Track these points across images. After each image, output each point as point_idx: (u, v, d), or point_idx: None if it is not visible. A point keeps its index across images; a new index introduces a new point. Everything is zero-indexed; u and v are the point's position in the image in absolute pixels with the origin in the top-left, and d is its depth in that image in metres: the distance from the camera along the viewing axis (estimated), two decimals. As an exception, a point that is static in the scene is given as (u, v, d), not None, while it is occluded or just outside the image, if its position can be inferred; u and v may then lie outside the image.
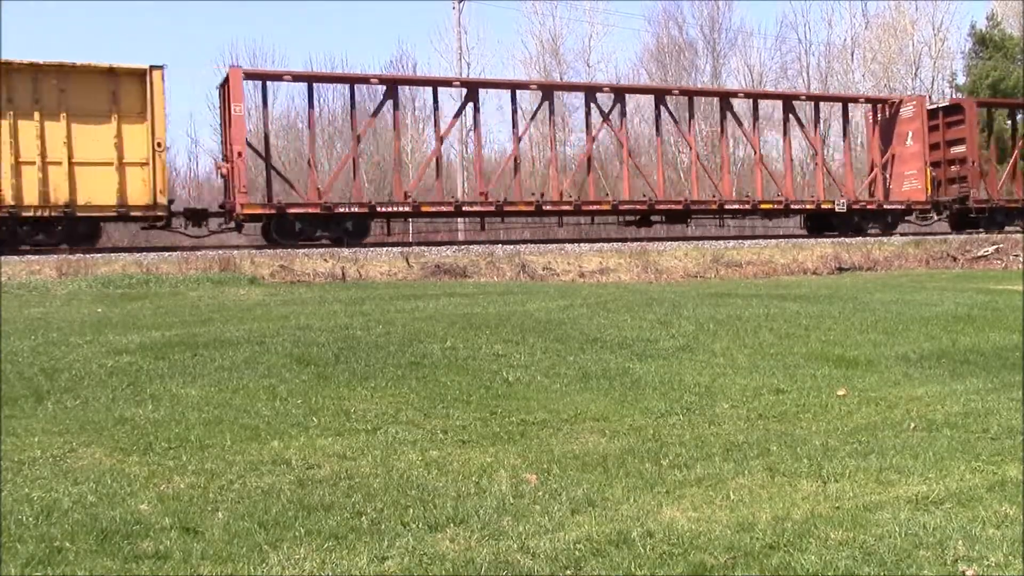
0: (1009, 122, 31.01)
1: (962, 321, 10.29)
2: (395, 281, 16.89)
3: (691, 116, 26.06)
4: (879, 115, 27.60)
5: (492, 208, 22.46)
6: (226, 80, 20.57)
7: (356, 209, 20.87)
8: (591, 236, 26.63)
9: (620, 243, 21.93)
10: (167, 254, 17.85)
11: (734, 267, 20.13)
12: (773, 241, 23.25)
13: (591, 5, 60.65)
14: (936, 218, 26.85)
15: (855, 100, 31.20)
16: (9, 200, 17.81)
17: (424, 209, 22.12)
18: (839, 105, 32.21)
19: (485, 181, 23.45)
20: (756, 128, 26.75)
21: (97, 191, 18.41)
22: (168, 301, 12.74)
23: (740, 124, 26.30)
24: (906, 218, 26.90)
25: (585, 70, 48.82)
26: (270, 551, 3.87)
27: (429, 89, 25.59)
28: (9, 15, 61.10)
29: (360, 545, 3.94)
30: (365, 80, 24.61)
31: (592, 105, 24.29)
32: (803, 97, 29.64)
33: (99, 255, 17.30)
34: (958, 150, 26.75)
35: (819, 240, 23.36)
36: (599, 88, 26.05)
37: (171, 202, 19.74)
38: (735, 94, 28.83)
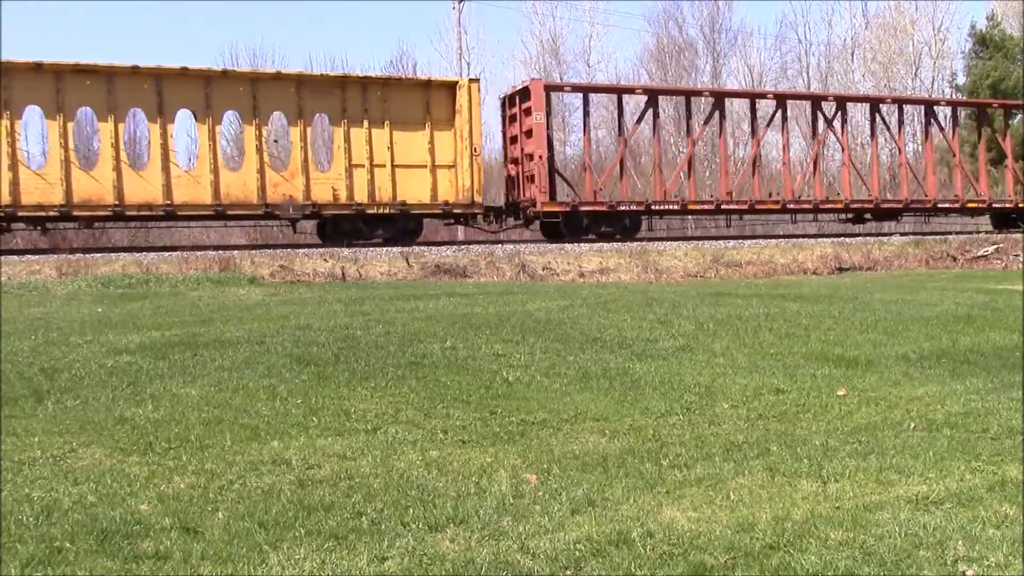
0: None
1: (962, 321, 10.29)
2: (395, 281, 16.89)
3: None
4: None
5: (746, 207, 24.93)
6: (522, 90, 22.88)
7: (634, 207, 23.40)
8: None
9: (620, 243, 21.93)
10: (167, 254, 17.86)
11: (734, 267, 20.14)
12: (773, 241, 23.26)
13: (591, 5, 60.72)
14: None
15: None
16: (344, 199, 20.21)
17: (690, 207, 24.53)
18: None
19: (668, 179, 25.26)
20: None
21: (413, 191, 20.73)
22: (168, 301, 12.74)
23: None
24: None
25: (585, 70, 48.86)
26: (270, 551, 3.87)
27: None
28: (9, 15, 61.11)
29: (360, 545, 3.94)
30: (631, 91, 27.42)
31: (818, 113, 26.35)
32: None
33: (99, 255, 17.31)
34: None
35: (819, 240, 23.39)
36: (823, 98, 28.49)
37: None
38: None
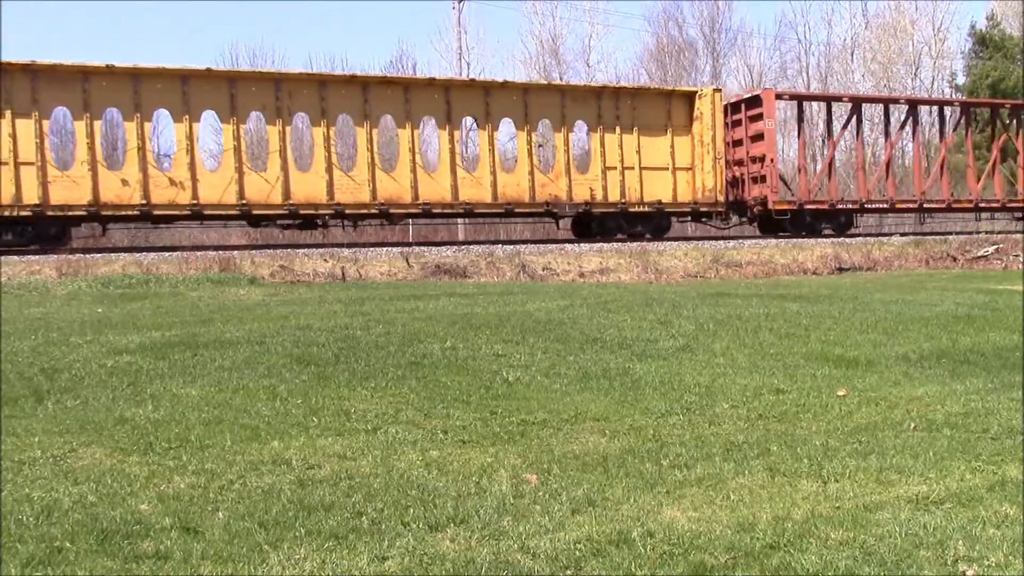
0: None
1: (962, 321, 10.29)
2: (395, 281, 16.89)
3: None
4: None
5: (943, 205, 27.26)
6: (750, 98, 25.13)
7: (850, 206, 25.72)
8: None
9: (620, 243, 21.95)
10: (167, 254, 17.87)
11: (734, 267, 20.13)
12: (773, 241, 23.27)
13: (591, 5, 60.82)
14: None
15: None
16: (600, 198, 22.51)
17: (898, 206, 26.78)
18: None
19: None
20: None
21: (657, 191, 22.98)
22: (168, 301, 12.74)
23: None
24: None
25: (585, 70, 48.87)
26: (270, 551, 3.87)
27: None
28: (9, 15, 61.09)
29: (360, 545, 3.94)
30: (839, 98, 29.50)
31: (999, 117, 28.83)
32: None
33: (99, 255, 17.32)
34: None
35: (819, 240, 23.40)
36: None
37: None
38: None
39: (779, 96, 26.50)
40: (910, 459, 5.17)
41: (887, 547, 3.89)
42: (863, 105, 28.82)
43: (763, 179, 24.20)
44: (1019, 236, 23.92)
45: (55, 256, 16.61)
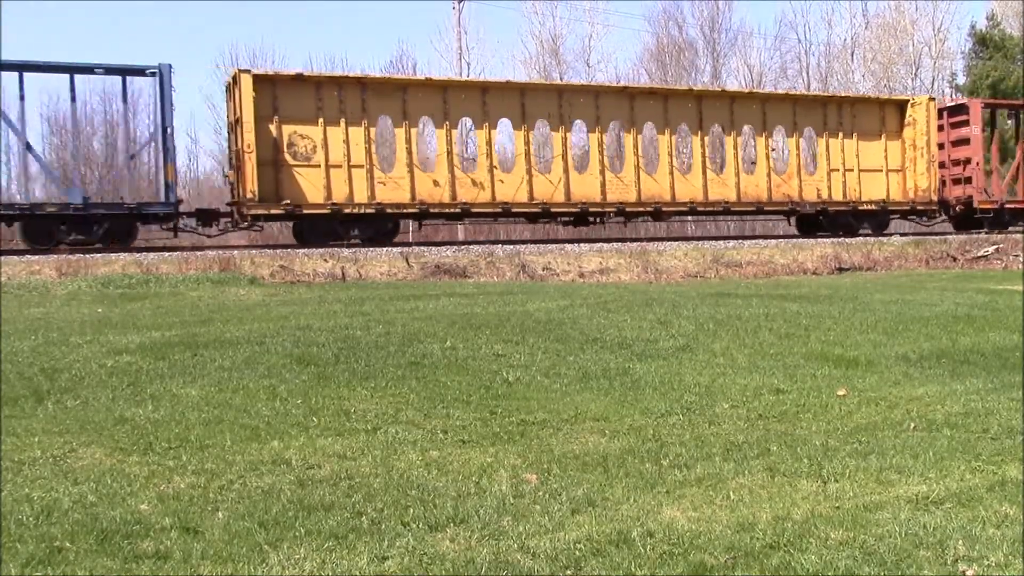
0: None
1: (962, 321, 10.29)
2: (395, 281, 16.88)
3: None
4: None
5: None
6: (956, 106, 27.15)
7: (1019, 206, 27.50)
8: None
9: (620, 243, 21.96)
10: (167, 254, 17.87)
11: (734, 267, 20.12)
12: (773, 241, 23.28)
13: (591, 5, 60.67)
14: None
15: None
16: (825, 197, 24.72)
17: None
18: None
19: None
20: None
21: (871, 191, 25.16)
22: (168, 301, 12.74)
23: None
24: None
25: (585, 70, 48.87)
26: (270, 551, 3.87)
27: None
28: (9, 15, 61.11)
29: (360, 545, 3.94)
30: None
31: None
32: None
33: (99, 255, 17.32)
34: None
35: (819, 240, 23.41)
36: None
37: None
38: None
39: (986, 105, 28.63)
40: (910, 459, 5.17)
41: (887, 547, 3.89)
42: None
43: (967, 180, 26.28)
44: (1019, 236, 23.93)
45: (55, 256, 16.63)
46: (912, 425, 5.98)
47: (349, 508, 4.39)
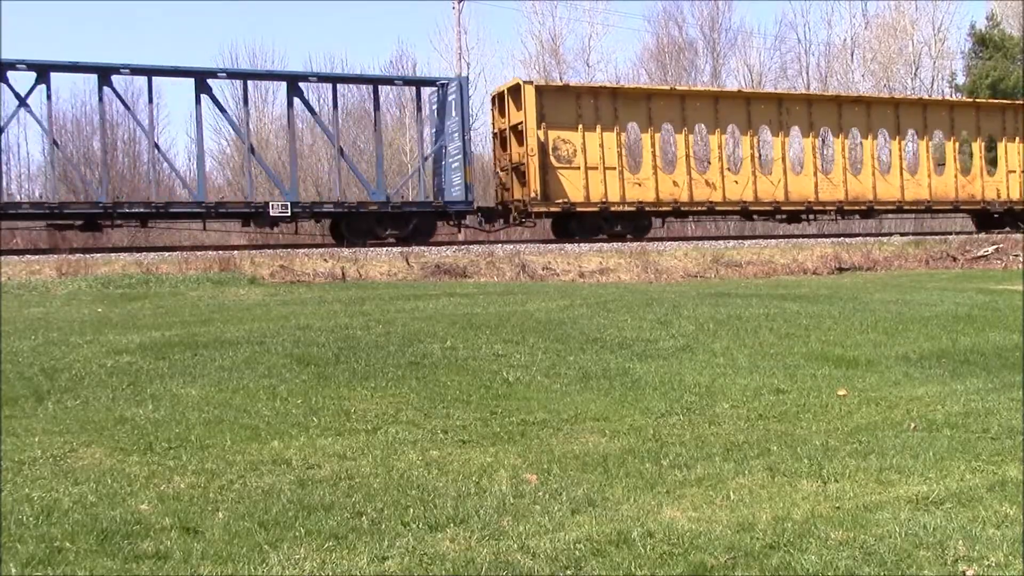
0: None
1: (962, 321, 10.29)
2: (395, 281, 16.88)
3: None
4: None
5: None
6: None
7: None
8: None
9: (620, 243, 21.95)
10: (167, 254, 17.87)
11: (734, 267, 20.11)
12: (773, 241, 23.28)
13: (591, 5, 60.48)
14: None
15: None
16: (1004, 197, 27.04)
17: None
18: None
19: None
20: None
21: (1016, 191, 27.28)
22: (168, 301, 12.73)
23: None
24: None
25: (585, 70, 48.84)
26: (270, 551, 3.87)
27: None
28: (9, 15, 61.11)
29: (360, 545, 3.94)
30: None
31: None
32: None
33: (99, 255, 17.32)
34: None
35: (819, 240, 23.43)
36: None
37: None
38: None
39: None
40: (910, 459, 5.17)
41: (887, 547, 3.89)
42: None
43: None
44: (1019, 236, 23.92)
45: (55, 256, 16.63)
46: (912, 425, 5.98)
47: (349, 508, 4.39)
